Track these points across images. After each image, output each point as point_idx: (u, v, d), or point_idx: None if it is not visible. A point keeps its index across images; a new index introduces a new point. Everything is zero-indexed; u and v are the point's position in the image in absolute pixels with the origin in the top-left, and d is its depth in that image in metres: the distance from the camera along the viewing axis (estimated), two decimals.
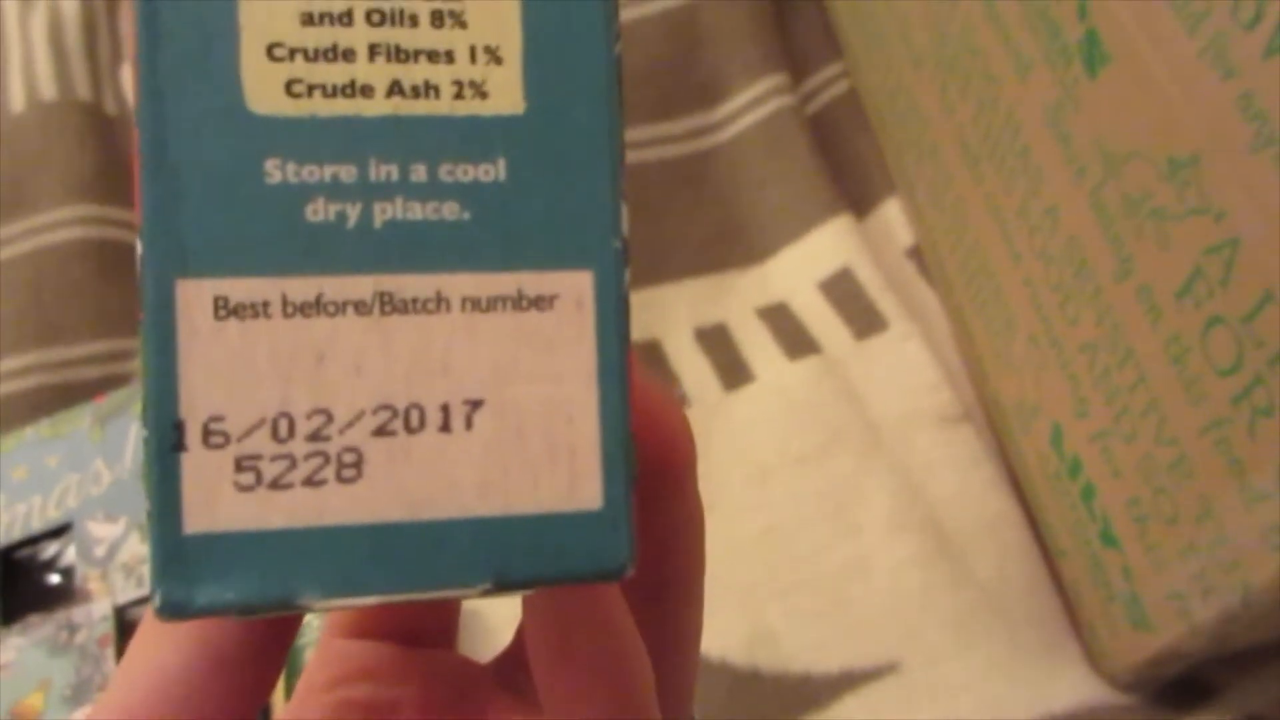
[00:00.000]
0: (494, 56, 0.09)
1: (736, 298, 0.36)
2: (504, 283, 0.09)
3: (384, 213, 0.09)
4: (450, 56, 0.09)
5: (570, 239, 0.09)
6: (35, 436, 0.31)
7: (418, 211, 0.09)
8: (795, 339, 0.34)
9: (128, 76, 0.42)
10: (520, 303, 0.09)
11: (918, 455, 0.32)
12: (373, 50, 0.09)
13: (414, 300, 0.09)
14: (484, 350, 0.09)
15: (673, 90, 0.39)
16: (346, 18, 0.09)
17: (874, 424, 0.32)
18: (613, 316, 0.09)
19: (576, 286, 0.09)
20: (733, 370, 0.34)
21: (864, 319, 0.35)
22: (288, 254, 0.09)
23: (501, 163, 0.09)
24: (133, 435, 0.31)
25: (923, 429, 0.32)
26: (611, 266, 0.09)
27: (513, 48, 0.09)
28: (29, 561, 0.29)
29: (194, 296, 0.08)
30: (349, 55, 0.09)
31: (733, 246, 0.37)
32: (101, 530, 0.29)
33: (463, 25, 0.09)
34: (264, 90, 0.09)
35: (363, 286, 0.09)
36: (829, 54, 0.41)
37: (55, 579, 0.29)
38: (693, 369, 0.34)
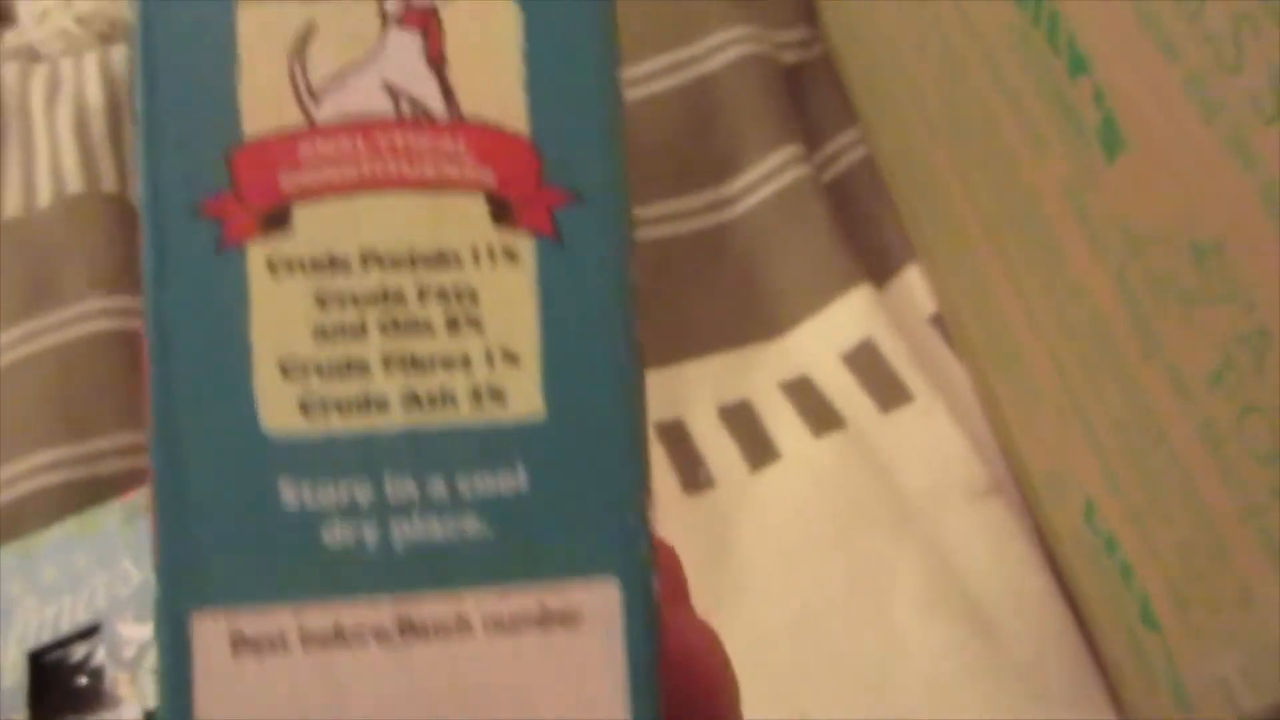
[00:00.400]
0: (511, 359, 0.09)
1: (759, 372, 0.36)
2: (527, 600, 0.09)
3: (403, 533, 0.09)
4: (466, 362, 0.09)
5: (594, 545, 0.09)
6: (64, 535, 0.31)
7: (437, 530, 0.09)
8: (819, 414, 0.34)
9: None
10: (545, 622, 0.09)
11: (949, 531, 0.31)
12: (387, 361, 0.09)
13: (435, 625, 0.09)
14: (509, 676, 0.09)
15: (689, 165, 0.39)
16: (360, 330, 0.09)
17: (903, 499, 0.32)
18: (644, 633, 0.09)
19: (604, 602, 0.09)
20: (758, 448, 0.34)
21: (888, 391, 0.34)
22: (305, 581, 0.08)
23: (522, 471, 0.09)
24: None
25: (953, 503, 0.31)
26: (639, 574, 0.09)
27: (530, 349, 0.09)
28: (58, 664, 0.29)
29: (210, 633, 0.08)
30: (363, 369, 0.09)
31: (754, 320, 0.37)
32: (131, 631, 0.29)
33: (478, 329, 0.09)
34: (278, 410, 0.09)
35: (382, 612, 0.08)
36: (844, 120, 0.41)
37: (84, 681, 0.29)
38: (717, 448, 0.34)
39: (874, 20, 0.35)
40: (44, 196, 0.40)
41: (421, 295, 0.09)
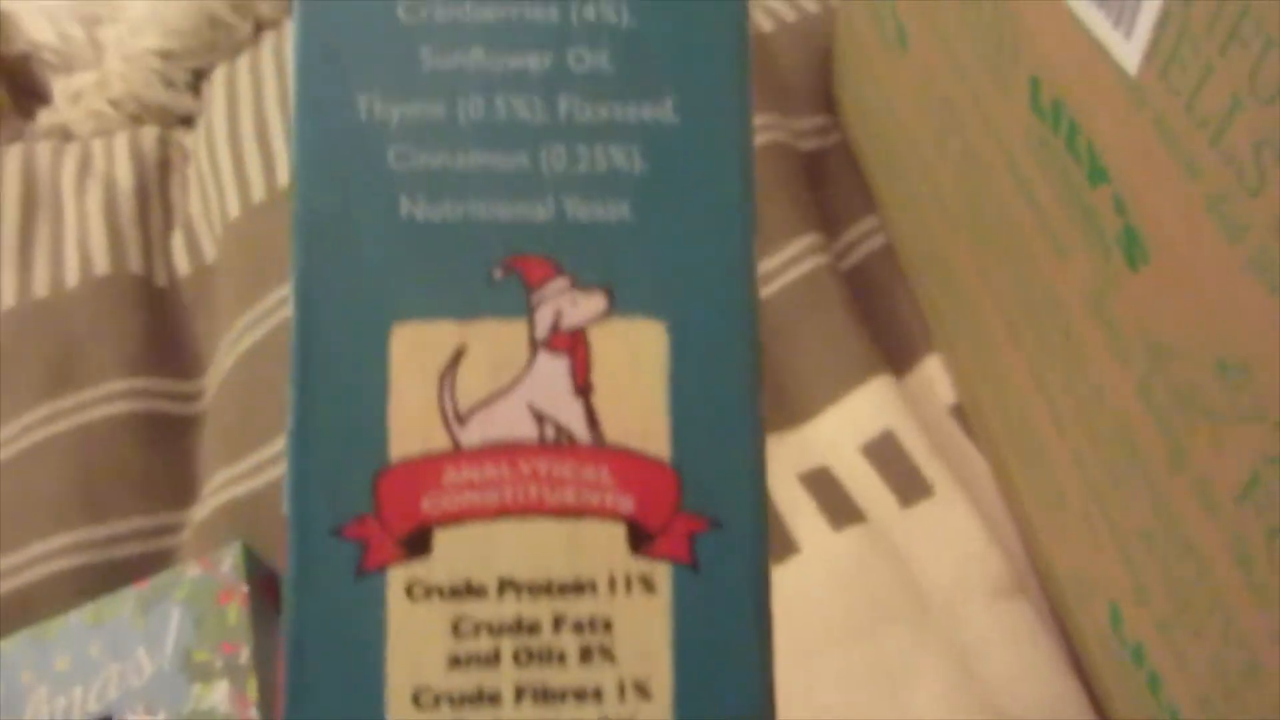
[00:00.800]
0: (643, 692, 0.09)
1: (778, 463, 0.35)
2: None
3: None
4: (598, 695, 0.09)
5: None
6: (79, 623, 0.31)
7: None
8: (839, 507, 0.34)
9: (179, 245, 0.44)
10: None
11: (972, 631, 0.30)
12: (519, 692, 0.09)
13: None
14: None
15: None
16: (494, 658, 0.09)
17: (924, 597, 0.31)
18: None
19: None
20: (777, 541, 0.34)
21: (909, 484, 0.34)
22: None
23: None
24: (174, 623, 0.30)
25: (975, 602, 0.31)
26: None
27: (662, 681, 0.09)
28: None
29: None
30: (495, 699, 0.09)
31: (772, 408, 0.37)
32: None
33: (611, 660, 0.09)
34: None
35: None
36: (862, 207, 0.41)
37: None
38: None
39: (893, 115, 0.36)
40: (72, 277, 0.41)
41: (557, 625, 0.09)
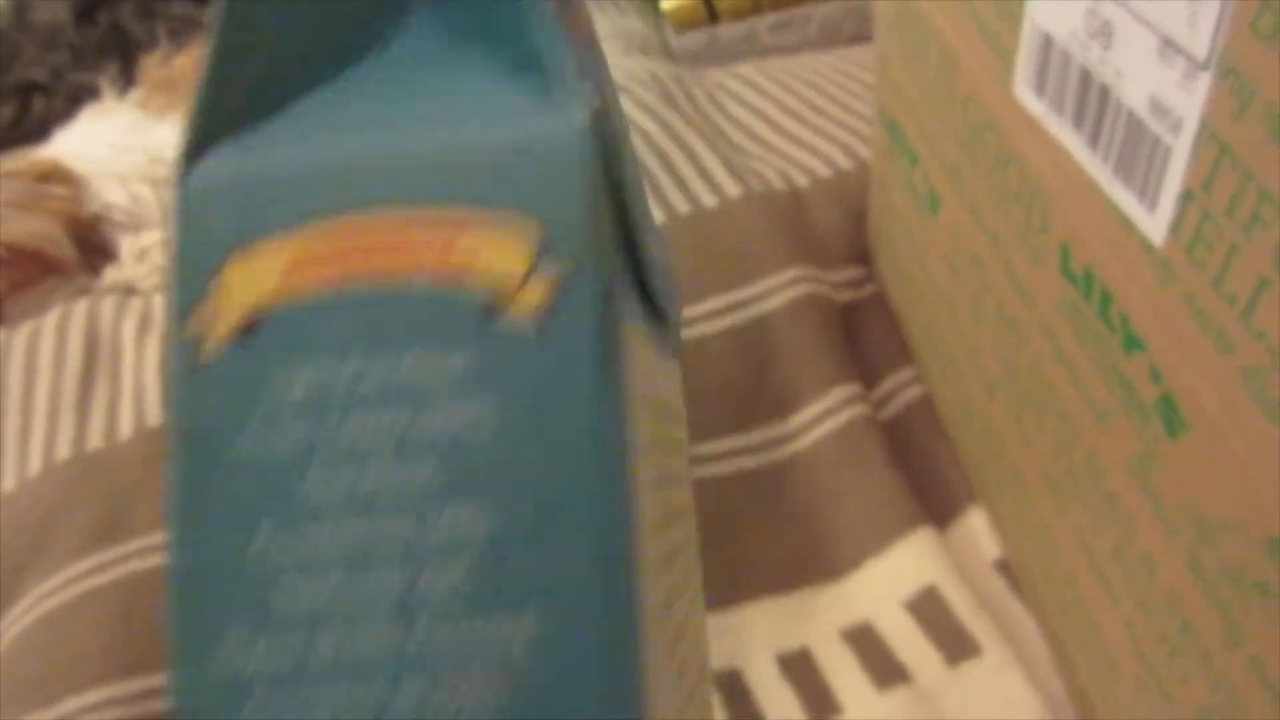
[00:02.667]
0: None
1: (818, 619, 0.35)
2: None
3: None
4: None
5: None
6: None
7: None
8: (883, 666, 0.33)
9: None
10: None
11: None
12: None
13: None
14: None
15: (745, 403, 0.39)
16: None
17: None
18: None
19: None
20: (819, 703, 0.33)
21: (955, 643, 0.33)
22: None
23: None
24: None
25: None
26: None
27: None
28: None
29: None
30: None
31: (812, 562, 0.36)
32: None
33: None
34: None
35: None
36: (899, 358, 0.41)
37: None
38: (778, 703, 0.33)
39: (927, 274, 0.36)
40: (125, 429, 0.42)
41: None
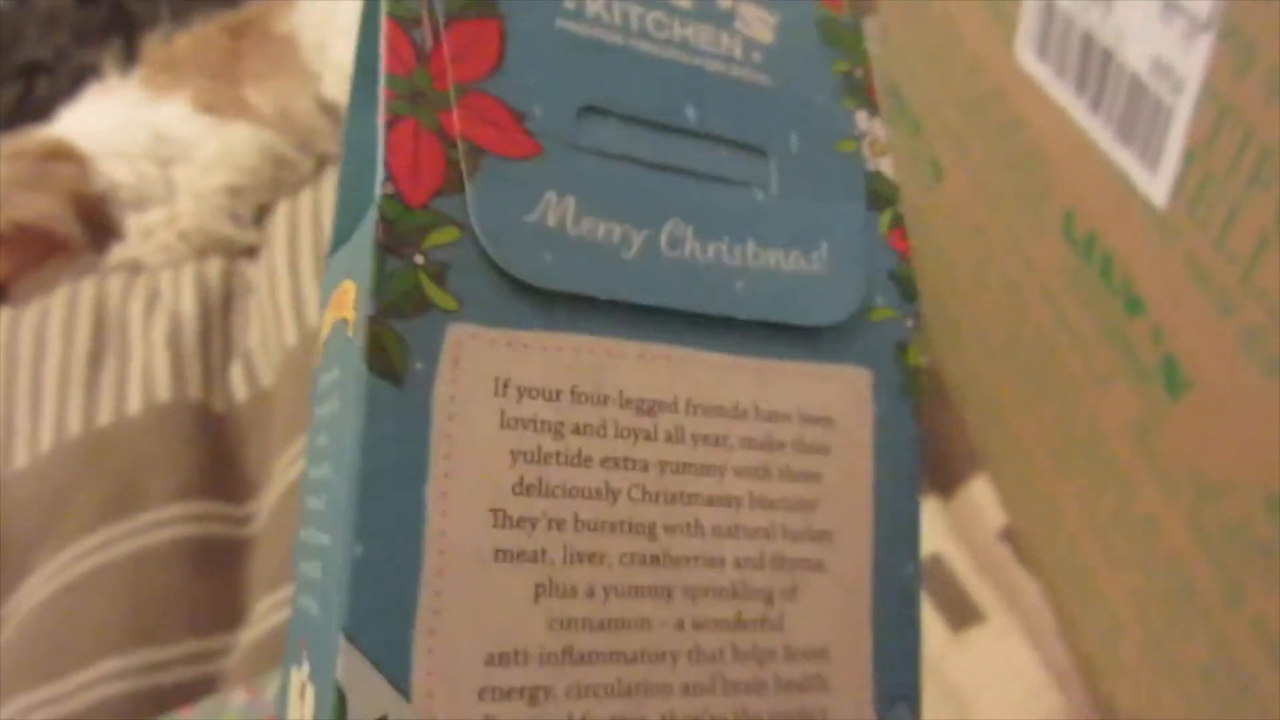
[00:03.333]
0: None
1: None
2: None
3: None
4: None
5: None
6: None
7: None
8: None
9: (237, 372, 0.45)
10: None
11: None
12: None
13: None
14: None
15: None
16: None
17: None
18: None
19: None
20: None
21: (959, 610, 0.33)
22: None
23: None
24: None
25: None
26: None
27: None
28: None
29: None
30: None
31: None
32: None
33: None
34: None
35: None
36: None
37: None
38: None
39: (930, 244, 0.36)
40: (134, 404, 0.42)
41: None
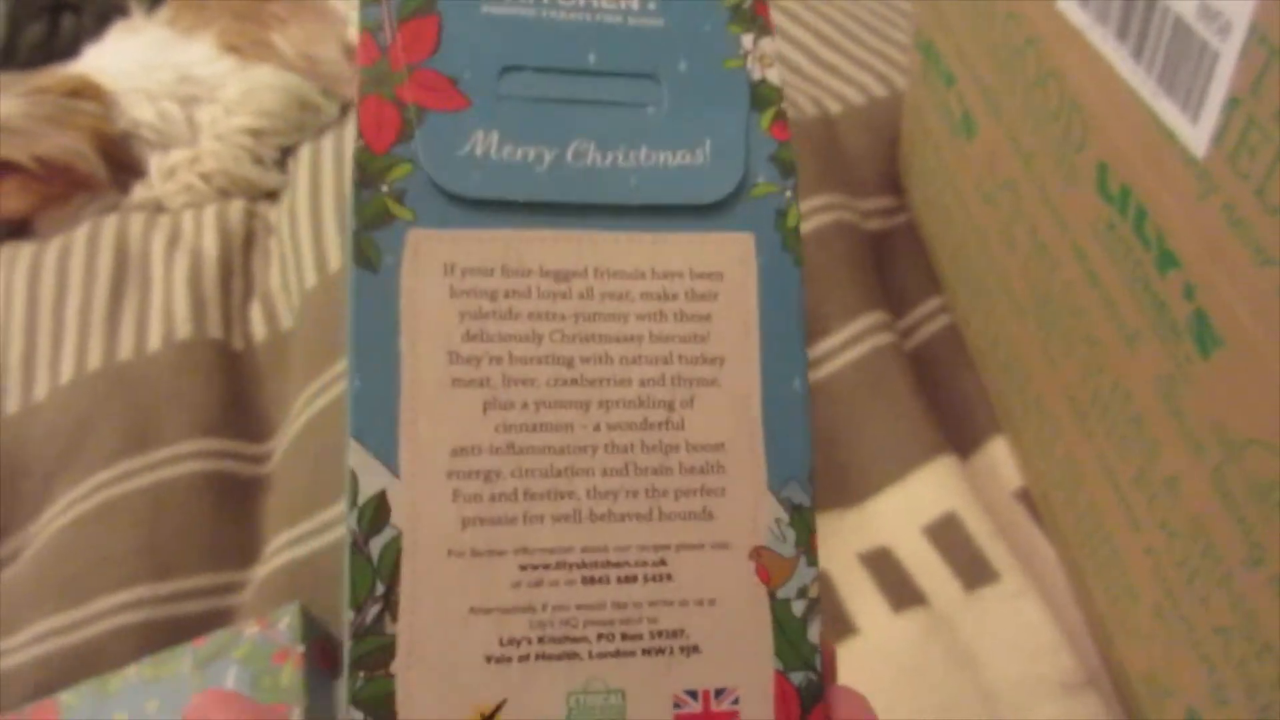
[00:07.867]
0: None
1: (837, 541, 0.35)
2: None
3: None
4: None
5: None
6: (137, 678, 0.32)
7: None
8: (900, 589, 0.33)
9: (257, 312, 0.45)
10: None
11: None
12: None
13: None
14: None
15: None
16: None
17: (990, 691, 0.30)
18: None
19: None
20: (837, 625, 0.33)
21: (973, 569, 0.33)
22: None
23: None
24: (230, 682, 0.31)
25: (1044, 697, 0.30)
26: None
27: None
28: None
29: None
30: None
31: (832, 487, 0.36)
32: None
33: None
34: None
35: None
36: (928, 288, 0.41)
37: None
38: None
39: (959, 201, 0.36)
40: (154, 341, 0.42)
41: None
